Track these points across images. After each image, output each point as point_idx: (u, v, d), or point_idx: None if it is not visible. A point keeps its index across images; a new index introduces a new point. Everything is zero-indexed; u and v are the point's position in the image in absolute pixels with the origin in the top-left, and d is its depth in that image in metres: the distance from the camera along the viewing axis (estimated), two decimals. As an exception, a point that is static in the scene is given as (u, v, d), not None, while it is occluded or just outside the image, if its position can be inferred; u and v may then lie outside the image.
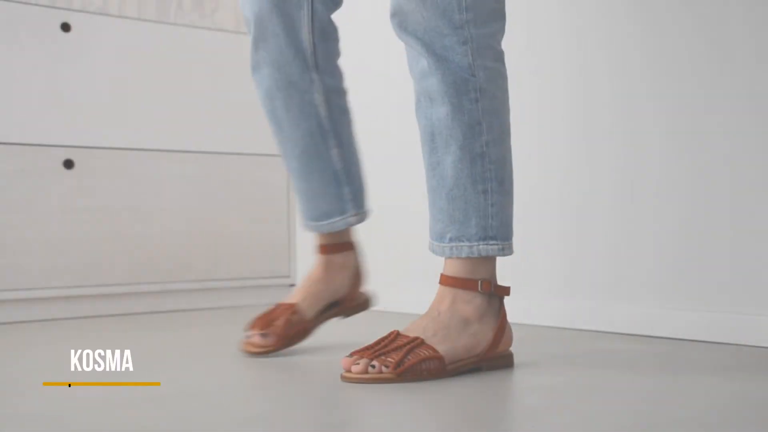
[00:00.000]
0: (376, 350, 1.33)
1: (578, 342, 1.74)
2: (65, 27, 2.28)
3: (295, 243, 2.67)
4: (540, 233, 2.04)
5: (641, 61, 1.85)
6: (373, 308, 1.74)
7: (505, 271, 2.13)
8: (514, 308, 2.06)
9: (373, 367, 1.30)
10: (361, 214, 1.64)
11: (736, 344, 1.66)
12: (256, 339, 1.55)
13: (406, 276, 2.25)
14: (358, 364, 1.31)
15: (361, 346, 1.35)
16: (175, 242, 2.43)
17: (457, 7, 1.35)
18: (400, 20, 1.38)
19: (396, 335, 1.35)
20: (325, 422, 1.12)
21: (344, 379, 1.32)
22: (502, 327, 1.42)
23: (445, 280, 1.41)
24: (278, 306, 1.61)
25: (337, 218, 1.62)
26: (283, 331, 1.56)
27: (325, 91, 1.58)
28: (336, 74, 1.61)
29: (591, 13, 1.94)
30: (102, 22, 2.34)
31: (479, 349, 1.38)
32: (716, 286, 1.72)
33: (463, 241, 1.40)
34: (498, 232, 1.42)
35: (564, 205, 1.99)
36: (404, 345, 1.32)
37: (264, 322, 1.57)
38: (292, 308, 1.59)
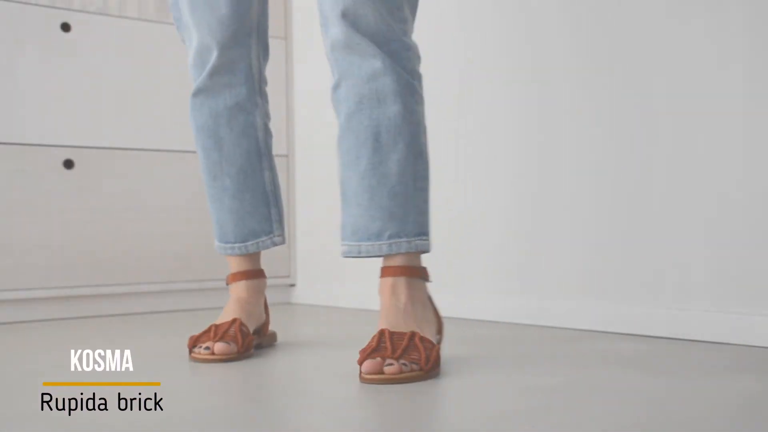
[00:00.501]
0: (394, 350, 1.31)
1: (578, 342, 1.74)
2: (65, 27, 2.28)
3: (295, 243, 2.67)
4: (540, 233, 2.04)
5: (652, 60, 1.86)
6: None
7: (505, 271, 2.14)
8: (514, 308, 2.07)
9: (406, 365, 1.29)
10: (282, 235, 1.72)
11: (736, 344, 1.66)
12: (220, 347, 1.52)
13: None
14: (391, 365, 1.29)
15: (367, 348, 1.33)
16: (175, 242, 2.43)
17: (402, 15, 1.44)
18: (353, 20, 1.40)
19: (390, 333, 1.35)
20: (325, 421, 1.12)
21: (369, 380, 1.29)
22: (437, 308, 1.52)
23: (397, 271, 1.43)
24: (219, 324, 1.59)
25: (264, 238, 1.69)
26: (241, 339, 1.56)
27: (263, 115, 1.70)
28: (267, 100, 1.73)
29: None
30: (102, 22, 2.34)
31: (437, 332, 1.49)
32: (716, 286, 1.72)
33: (402, 237, 1.44)
34: (427, 227, 1.48)
35: (563, 206, 1.99)
36: (414, 341, 1.34)
37: (216, 334, 1.56)
38: (238, 321, 1.59)
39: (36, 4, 2.25)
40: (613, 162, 1.90)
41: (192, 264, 2.44)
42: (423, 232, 1.46)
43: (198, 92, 1.65)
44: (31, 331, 2.04)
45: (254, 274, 1.70)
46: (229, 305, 1.66)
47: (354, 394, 1.27)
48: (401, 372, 1.29)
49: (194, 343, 1.57)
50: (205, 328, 1.62)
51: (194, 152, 2.56)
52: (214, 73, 1.62)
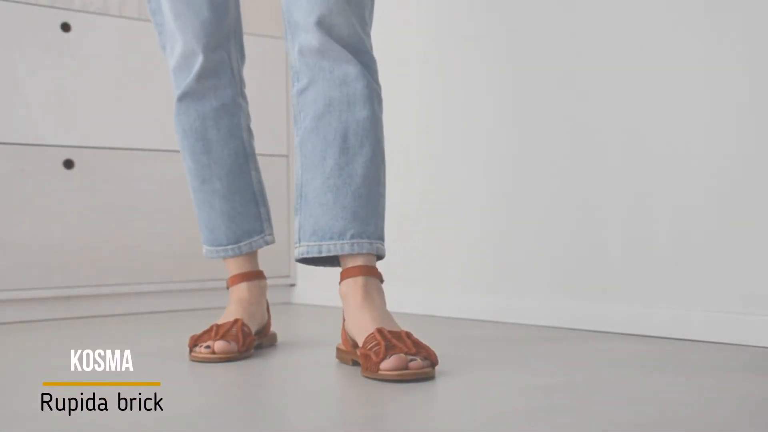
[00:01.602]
0: (407, 347, 1.32)
1: (577, 342, 1.74)
2: (65, 27, 2.28)
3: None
4: (539, 234, 2.04)
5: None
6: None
7: (506, 271, 2.14)
8: (514, 309, 2.07)
9: (425, 360, 1.31)
10: (272, 234, 1.74)
11: (736, 344, 1.66)
12: (221, 345, 1.52)
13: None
14: (415, 360, 1.29)
15: (378, 348, 1.32)
16: (175, 242, 2.43)
17: (368, 29, 1.49)
18: (328, 29, 1.43)
19: (387, 331, 1.35)
20: (325, 420, 1.12)
21: (396, 377, 1.28)
22: None
23: (364, 270, 1.44)
24: (221, 324, 1.60)
25: (257, 237, 1.70)
26: (242, 339, 1.56)
27: (246, 116, 1.73)
28: (248, 102, 1.75)
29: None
30: (102, 22, 2.34)
31: None
32: (716, 286, 1.72)
33: (363, 238, 1.45)
34: (384, 234, 1.50)
35: (561, 206, 1.99)
36: (413, 338, 1.35)
37: (218, 333, 1.56)
38: (240, 322, 1.59)
39: (36, 4, 2.25)
40: (612, 161, 1.90)
41: (192, 264, 2.44)
42: (381, 237, 1.48)
43: (184, 96, 1.69)
44: (31, 331, 2.04)
45: (254, 275, 1.71)
46: (231, 306, 1.66)
47: (354, 394, 1.27)
48: (423, 367, 1.30)
49: (195, 342, 1.57)
50: (205, 327, 1.62)
51: (194, 152, 2.54)
52: (201, 76, 1.65)
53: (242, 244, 1.69)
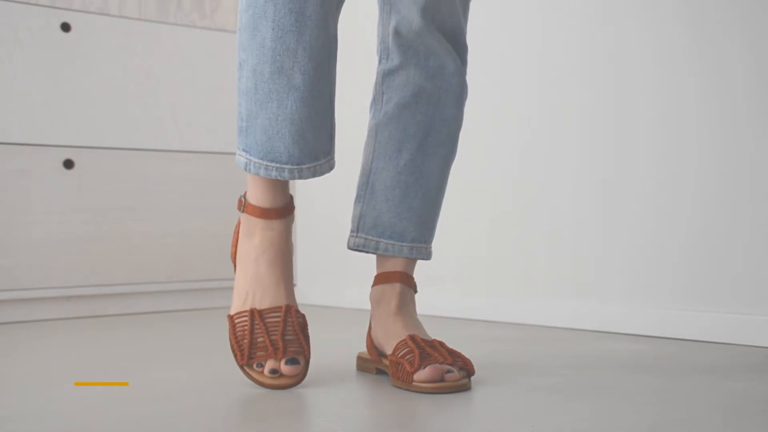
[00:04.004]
0: (443, 356, 1.25)
1: (578, 342, 1.74)
2: (65, 27, 2.28)
3: (295, 243, 2.67)
4: (541, 234, 2.04)
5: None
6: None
7: (506, 271, 2.14)
8: (514, 309, 2.06)
9: (462, 371, 1.25)
10: (335, 158, 1.34)
11: (736, 344, 1.66)
12: (290, 369, 1.23)
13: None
14: (451, 372, 1.23)
15: (413, 357, 1.25)
16: (175, 242, 2.43)
17: (467, 14, 1.39)
18: (433, 13, 1.33)
19: (421, 339, 1.29)
20: (325, 420, 1.12)
21: (433, 389, 1.22)
22: None
23: (404, 278, 1.37)
24: (270, 319, 1.26)
25: (323, 161, 1.28)
26: (306, 346, 1.28)
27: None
28: None
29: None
30: (102, 22, 2.34)
31: None
32: (717, 286, 1.72)
33: (422, 243, 1.40)
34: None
35: (564, 204, 1.99)
36: (447, 347, 1.29)
37: (275, 342, 1.24)
38: (293, 310, 1.27)
39: (36, 4, 2.25)
40: (613, 161, 1.90)
41: (192, 264, 2.44)
42: (431, 240, 1.42)
43: None
44: (31, 331, 2.04)
45: (291, 207, 1.31)
46: (261, 254, 1.28)
47: (354, 394, 1.27)
48: (460, 379, 1.24)
49: (248, 357, 1.24)
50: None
51: (194, 152, 2.54)
52: None
53: (305, 167, 1.25)
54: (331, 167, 1.30)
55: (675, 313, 1.76)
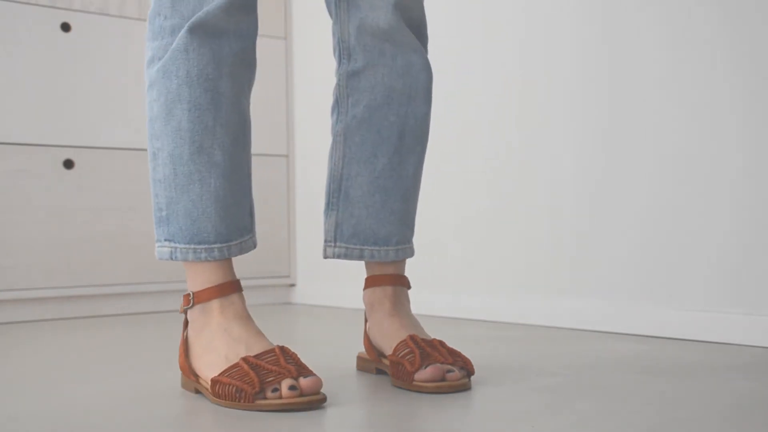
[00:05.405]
0: (443, 356, 1.25)
1: (579, 342, 1.74)
2: (65, 27, 2.29)
3: (295, 243, 2.67)
4: (539, 234, 2.04)
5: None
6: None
7: (505, 271, 2.14)
8: (514, 309, 2.06)
9: (463, 371, 1.25)
10: (255, 236, 1.32)
11: (736, 344, 1.66)
12: (310, 383, 1.14)
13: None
14: (452, 371, 1.22)
15: (413, 358, 1.25)
16: (175, 242, 2.42)
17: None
18: (404, 9, 1.32)
19: (421, 339, 1.28)
20: (325, 420, 1.12)
21: (433, 389, 1.21)
22: None
23: (396, 279, 1.36)
24: (266, 353, 1.17)
25: (247, 237, 1.27)
26: (300, 362, 1.20)
27: (254, 75, 1.31)
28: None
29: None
30: (102, 22, 2.34)
31: None
32: (716, 286, 1.72)
33: (406, 243, 1.38)
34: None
35: (565, 205, 1.99)
36: (447, 347, 1.29)
37: (284, 366, 1.15)
38: (285, 348, 1.20)
39: (36, 4, 2.25)
40: (613, 160, 1.90)
41: (192, 264, 2.44)
42: (413, 236, 1.40)
43: (198, 26, 1.19)
44: (31, 331, 2.04)
45: (239, 284, 1.27)
46: (236, 322, 1.21)
47: (353, 394, 1.27)
48: (461, 378, 1.23)
49: (259, 383, 1.12)
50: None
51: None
52: (231, 4, 1.20)
53: (233, 243, 1.24)
54: (254, 245, 1.28)
55: (675, 313, 1.76)
